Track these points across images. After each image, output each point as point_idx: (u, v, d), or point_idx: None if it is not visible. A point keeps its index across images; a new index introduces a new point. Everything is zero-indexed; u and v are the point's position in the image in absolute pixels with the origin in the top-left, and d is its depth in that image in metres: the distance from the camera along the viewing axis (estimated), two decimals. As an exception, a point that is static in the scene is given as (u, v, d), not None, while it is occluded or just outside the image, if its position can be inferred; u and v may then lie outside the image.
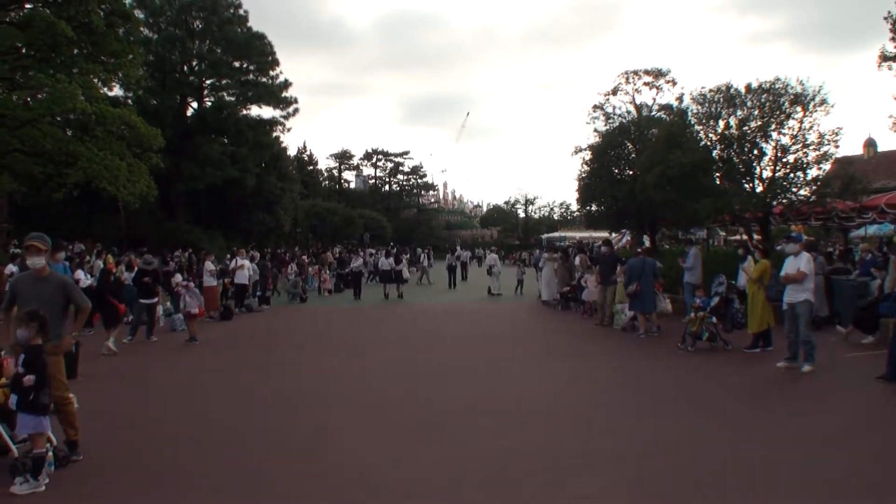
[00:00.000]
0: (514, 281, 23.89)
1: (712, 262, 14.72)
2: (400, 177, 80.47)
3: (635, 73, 24.92)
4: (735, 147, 16.03)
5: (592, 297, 15.33)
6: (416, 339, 13.28)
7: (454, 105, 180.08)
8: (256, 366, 10.45)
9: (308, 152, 69.36)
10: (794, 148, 15.52)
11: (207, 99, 41.54)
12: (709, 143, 16.84)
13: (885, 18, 17.43)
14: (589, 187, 23.04)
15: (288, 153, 49.45)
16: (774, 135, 15.68)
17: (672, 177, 15.98)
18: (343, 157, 77.53)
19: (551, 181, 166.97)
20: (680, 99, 22.39)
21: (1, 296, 12.19)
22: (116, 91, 29.07)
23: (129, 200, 22.17)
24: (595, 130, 24.87)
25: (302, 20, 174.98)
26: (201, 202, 39.52)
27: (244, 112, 41.14)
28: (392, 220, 68.37)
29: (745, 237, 19.29)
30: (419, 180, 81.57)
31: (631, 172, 21.46)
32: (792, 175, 15.74)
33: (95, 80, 21.41)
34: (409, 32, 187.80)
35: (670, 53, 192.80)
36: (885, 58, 18.01)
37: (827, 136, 15.21)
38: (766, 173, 15.95)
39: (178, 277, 15.92)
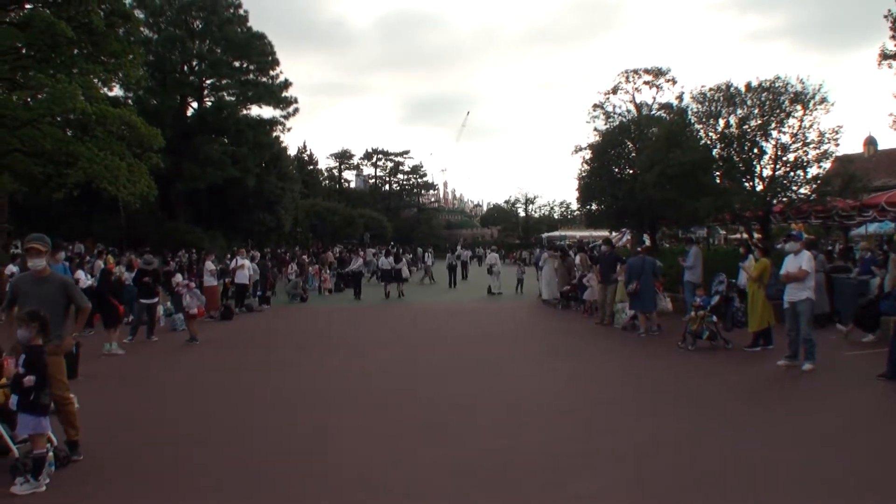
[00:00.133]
0: (514, 280, 23.89)
1: (713, 261, 14.71)
2: (400, 176, 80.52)
3: (635, 72, 24.94)
4: (735, 146, 16.03)
5: (595, 297, 15.33)
6: (416, 339, 13.29)
7: (454, 105, 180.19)
8: (257, 366, 10.46)
9: (308, 152, 69.47)
10: (794, 146, 15.52)
11: (207, 99, 41.54)
12: (709, 142, 16.84)
13: (886, 16, 17.42)
14: (589, 186, 23.04)
15: (288, 153, 49.46)
16: (774, 133, 15.68)
17: (672, 175, 15.98)
18: (343, 157, 77.55)
19: (551, 180, 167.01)
20: (680, 98, 22.40)
21: (1, 296, 12.24)
22: (116, 91, 29.13)
23: (129, 200, 22.20)
24: (595, 129, 24.89)
25: (302, 20, 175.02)
26: (202, 202, 39.53)
27: (244, 112, 41.14)
28: (392, 219, 68.38)
29: (745, 236, 19.29)
30: (419, 180, 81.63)
31: (631, 171, 21.46)
32: (792, 173, 15.73)
33: (95, 81, 21.43)
34: (409, 32, 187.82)
35: (670, 52, 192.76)
36: (885, 56, 18.00)
37: (827, 135, 15.22)
38: (767, 172, 15.95)
39: (179, 277, 15.92)
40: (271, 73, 41.37)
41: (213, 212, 39.92)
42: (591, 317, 15.28)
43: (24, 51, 20.70)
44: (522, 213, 73.61)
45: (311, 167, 68.89)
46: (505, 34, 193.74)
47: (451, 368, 9.96)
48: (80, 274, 13.96)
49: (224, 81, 40.52)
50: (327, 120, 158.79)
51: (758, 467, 5.22)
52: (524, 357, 11.09)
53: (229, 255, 22.51)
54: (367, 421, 6.87)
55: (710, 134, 16.82)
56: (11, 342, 5.60)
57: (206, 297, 14.58)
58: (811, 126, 15.29)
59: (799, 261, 8.99)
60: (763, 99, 15.62)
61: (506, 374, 9.52)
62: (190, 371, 10.18)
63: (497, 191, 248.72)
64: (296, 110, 42.69)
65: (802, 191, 15.99)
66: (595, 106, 25.57)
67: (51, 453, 5.11)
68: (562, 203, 72.67)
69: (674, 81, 24.55)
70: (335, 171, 77.62)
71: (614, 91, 25.27)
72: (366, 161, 79.16)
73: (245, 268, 17.88)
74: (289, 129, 47.68)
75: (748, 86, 16.07)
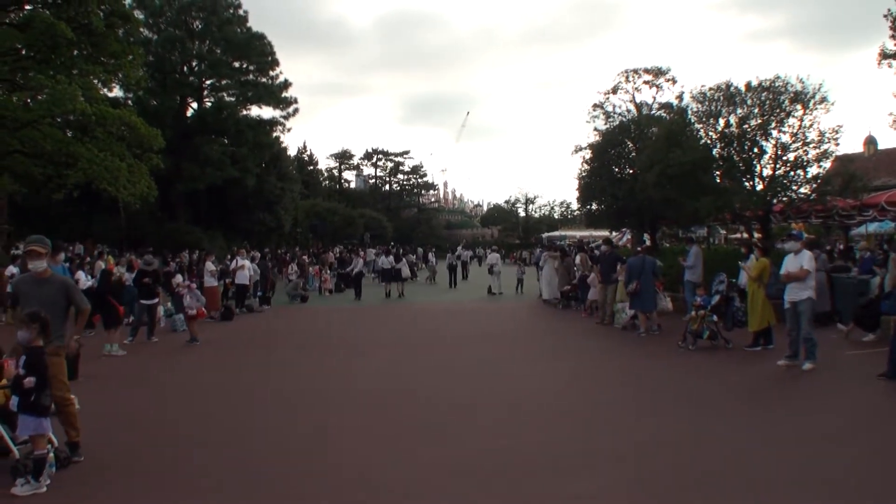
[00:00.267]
0: (515, 280, 23.90)
1: (713, 261, 14.71)
2: (400, 176, 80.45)
3: (635, 71, 24.98)
4: (735, 145, 16.05)
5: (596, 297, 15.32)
6: (416, 339, 13.29)
7: (454, 104, 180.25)
8: (257, 366, 10.46)
9: (308, 152, 69.37)
10: (794, 146, 15.53)
11: (207, 99, 41.52)
12: (709, 142, 16.85)
13: (885, 16, 17.41)
14: (589, 186, 23.07)
15: (288, 153, 49.42)
16: (774, 133, 15.70)
17: (672, 175, 15.99)
18: (343, 157, 77.49)
19: (551, 180, 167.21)
20: (680, 97, 22.45)
21: (1, 297, 12.20)
22: (116, 92, 29.07)
23: (129, 201, 22.20)
24: (595, 129, 24.94)
25: (302, 20, 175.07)
26: (201, 202, 39.52)
27: (244, 112, 41.12)
28: (392, 219, 68.33)
29: (745, 235, 19.30)
30: (419, 180, 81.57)
31: (631, 171, 21.48)
32: (792, 173, 15.74)
33: (95, 81, 21.42)
34: (408, 32, 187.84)
35: (670, 52, 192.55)
36: (885, 55, 17.98)
37: (827, 134, 15.24)
38: (767, 171, 15.96)
39: (179, 278, 15.93)
40: (271, 73, 41.36)
41: (212, 212, 39.91)
42: (592, 316, 15.27)
43: (23, 52, 20.70)
44: (522, 213, 73.59)
45: (311, 167, 68.82)
46: (504, 34, 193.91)
47: (451, 368, 9.96)
48: (81, 275, 13.96)
49: (224, 82, 40.50)
50: (327, 120, 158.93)
51: (758, 467, 5.22)
52: (524, 357, 11.10)
53: (229, 256, 22.51)
54: (367, 421, 6.87)
55: (711, 133, 16.83)
56: (12, 343, 5.61)
57: (206, 298, 14.58)
58: (811, 125, 15.32)
59: (799, 260, 8.98)
60: (763, 98, 15.63)
61: (506, 373, 9.52)
62: (190, 372, 10.19)
63: (497, 191, 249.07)
64: (296, 110, 42.71)
65: (802, 190, 16.01)
66: (595, 106, 25.62)
67: (51, 454, 5.11)
68: (562, 203, 72.65)
69: (674, 81, 24.61)
70: (335, 172, 77.59)
71: (614, 91, 25.31)
72: (366, 161, 79.17)
73: (245, 268, 17.88)
74: (289, 130, 47.73)
75: (748, 85, 16.09)
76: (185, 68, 40.45)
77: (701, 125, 17.17)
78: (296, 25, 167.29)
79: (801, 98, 15.26)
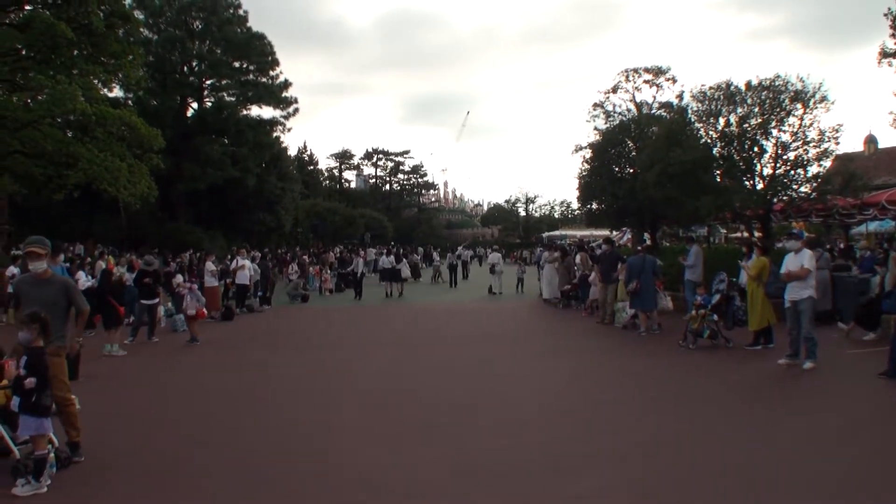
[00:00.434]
0: (515, 279, 23.89)
1: (713, 260, 14.71)
2: (400, 176, 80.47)
3: (635, 70, 24.97)
4: (735, 144, 16.05)
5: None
6: (416, 339, 13.29)
7: (454, 104, 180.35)
8: (257, 366, 10.46)
9: (308, 152, 69.34)
10: (794, 145, 15.54)
11: (207, 99, 41.52)
12: (709, 141, 16.85)
13: (885, 15, 17.39)
14: (589, 185, 23.06)
15: (288, 153, 49.44)
16: (775, 132, 15.70)
17: (672, 174, 15.99)
18: (343, 157, 77.48)
19: (552, 180, 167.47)
20: (680, 97, 22.45)
21: (2, 298, 12.20)
22: (116, 92, 29.06)
23: (129, 201, 22.20)
24: (595, 129, 24.93)
25: (302, 20, 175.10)
26: (202, 202, 39.53)
27: (244, 112, 41.13)
28: (393, 219, 68.32)
29: (746, 235, 19.30)
30: (420, 179, 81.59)
31: (631, 170, 21.47)
32: (792, 172, 15.75)
33: (95, 82, 21.40)
34: (409, 32, 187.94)
35: (670, 51, 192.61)
36: (885, 54, 17.97)
37: (827, 133, 15.24)
38: (767, 170, 15.96)
39: (179, 278, 15.93)
40: (271, 73, 41.36)
41: (213, 212, 39.93)
42: (592, 316, 15.26)
43: (24, 52, 20.69)
44: (523, 213, 73.52)
45: (312, 167, 68.79)
46: (504, 34, 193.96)
47: (451, 368, 9.95)
48: (81, 275, 13.96)
49: (224, 82, 40.51)
50: (327, 120, 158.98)
51: (758, 467, 5.22)
52: (525, 357, 11.09)
53: (229, 256, 22.50)
54: (368, 421, 6.87)
55: (711, 133, 16.84)
56: (13, 344, 5.62)
57: (206, 298, 14.58)
58: (811, 124, 15.32)
59: (800, 259, 8.97)
60: (763, 97, 15.63)
61: (506, 373, 9.52)
62: (191, 372, 10.19)
63: (497, 190, 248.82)
64: (296, 110, 42.72)
65: (803, 189, 16.01)
66: (595, 105, 25.62)
67: (52, 454, 5.11)
68: (562, 202, 72.48)
69: (674, 80, 24.59)
70: (335, 171, 77.58)
71: (614, 90, 25.30)
72: (366, 161, 79.17)
73: (246, 268, 17.88)
74: (289, 130, 47.69)
75: (748, 84, 16.09)
76: (185, 68, 40.46)
77: (701, 124, 17.17)
78: (296, 25, 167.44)
79: (802, 97, 15.26)
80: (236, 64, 40.47)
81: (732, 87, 16.30)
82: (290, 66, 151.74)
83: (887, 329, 9.88)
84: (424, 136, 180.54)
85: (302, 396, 8.21)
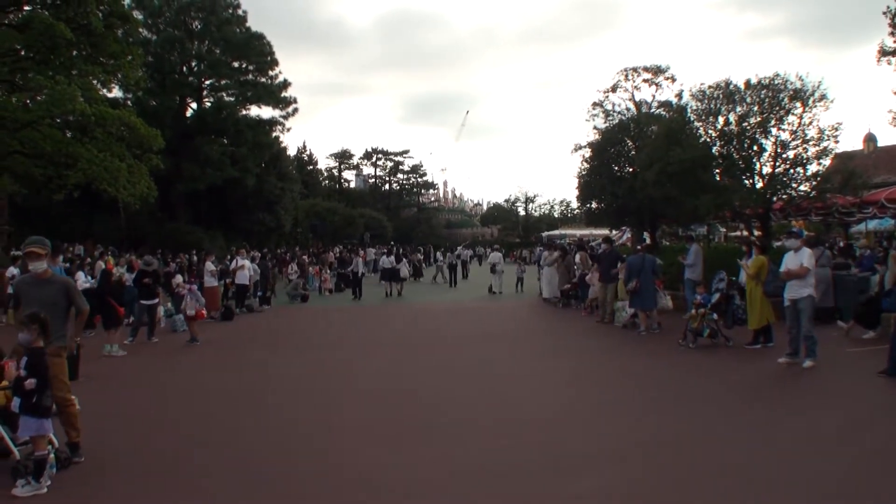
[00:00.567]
0: (515, 279, 23.89)
1: (713, 259, 14.71)
2: (400, 176, 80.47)
3: (634, 70, 24.99)
4: (735, 143, 16.03)
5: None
6: (416, 339, 13.29)
7: (454, 104, 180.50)
8: (257, 366, 10.46)
9: (308, 152, 69.32)
10: (793, 144, 15.52)
11: (207, 99, 41.48)
12: (708, 140, 16.83)
13: (885, 13, 17.42)
14: (589, 185, 23.06)
15: (288, 153, 49.38)
16: (774, 131, 15.69)
17: (672, 173, 15.97)
18: (343, 157, 77.45)
19: (551, 179, 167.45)
20: (679, 96, 22.46)
21: (2, 298, 12.19)
22: (116, 92, 29.00)
23: (129, 201, 22.16)
24: (595, 128, 24.95)
25: (301, 20, 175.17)
26: (201, 203, 39.49)
27: (244, 112, 41.07)
28: (392, 219, 68.32)
29: (745, 233, 19.30)
30: (419, 179, 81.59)
31: (631, 169, 21.48)
32: (792, 171, 15.74)
33: (95, 82, 21.39)
34: (408, 32, 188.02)
35: (669, 50, 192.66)
36: (884, 52, 18.00)
37: (827, 132, 15.22)
38: (766, 169, 15.95)
39: (179, 279, 15.93)
40: (270, 73, 41.30)
41: (212, 212, 39.90)
42: (592, 315, 15.27)
43: (23, 52, 20.68)
44: (522, 212, 73.54)
45: (311, 167, 68.75)
46: (504, 33, 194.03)
47: (451, 368, 9.95)
48: (80, 275, 13.95)
49: (223, 82, 40.45)
50: (327, 120, 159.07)
51: (758, 466, 5.22)
52: (525, 356, 11.09)
53: (229, 256, 22.50)
54: (368, 421, 6.87)
55: (710, 131, 16.82)
56: (13, 345, 5.61)
57: (206, 298, 14.57)
58: (811, 123, 15.31)
59: (800, 258, 8.97)
60: (762, 96, 15.62)
61: (506, 373, 9.52)
62: (191, 372, 10.19)
63: (497, 190, 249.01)
64: (295, 110, 42.66)
65: (802, 188, 16.00)
66: (594, 104, 25.63)
67: (52, 455, 5.11)
68: (562, 202, 72.52)
69: (673, 79, 24.64)
70: (335, 171, 77.55)
71: (613, 89, 25.32)
72: (366, 161, 79.14)
73: (245, 268, 17.88)
74: (288, 130, 47.72)
75: (748, 83, 16.08)
76: (185, 68, 40.41)
77: (700, 123, 17.16)
78: (296, 25, 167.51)
79: (801, 95, 15.25)
80: (235, 64, 40.42)
81: (732, 86, 16.29)
82: (290, 66, 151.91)
83: (887, 327, 9.89)
84: (424, 135, 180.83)
85: (302, 396, 8.21)
